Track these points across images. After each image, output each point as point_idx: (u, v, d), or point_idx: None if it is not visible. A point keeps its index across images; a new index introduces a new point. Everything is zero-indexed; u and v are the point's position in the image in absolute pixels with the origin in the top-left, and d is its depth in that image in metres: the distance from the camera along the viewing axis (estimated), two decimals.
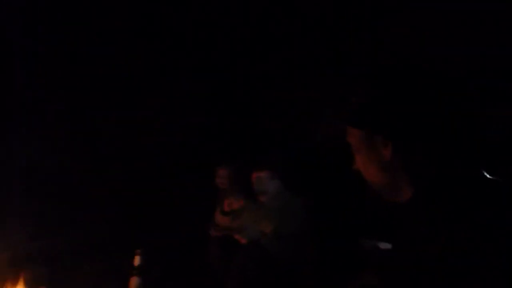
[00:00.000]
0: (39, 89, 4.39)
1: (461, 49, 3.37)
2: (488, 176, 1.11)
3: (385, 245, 3.09)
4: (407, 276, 1.02)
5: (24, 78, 4.33)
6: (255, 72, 4.89)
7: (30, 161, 4.16)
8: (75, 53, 4.53)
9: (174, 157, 4.89)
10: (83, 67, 4.56)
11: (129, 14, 4.60)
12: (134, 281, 2.65)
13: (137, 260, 2.66)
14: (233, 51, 4.86)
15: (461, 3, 3.45)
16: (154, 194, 4.72)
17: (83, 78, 4.56)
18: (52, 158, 4.16)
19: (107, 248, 4.12)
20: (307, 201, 3.43)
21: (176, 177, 4.76)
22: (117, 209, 4.62)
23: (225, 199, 4.28)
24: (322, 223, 3.45)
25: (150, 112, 4.87)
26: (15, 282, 2.78)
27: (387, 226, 1.38)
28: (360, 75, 1.20)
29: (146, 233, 4.24)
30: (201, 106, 5.04)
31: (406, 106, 1.10)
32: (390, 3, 4.15)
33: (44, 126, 4.34)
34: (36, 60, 4.38)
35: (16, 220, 3.94)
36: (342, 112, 1.21)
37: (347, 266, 3.08)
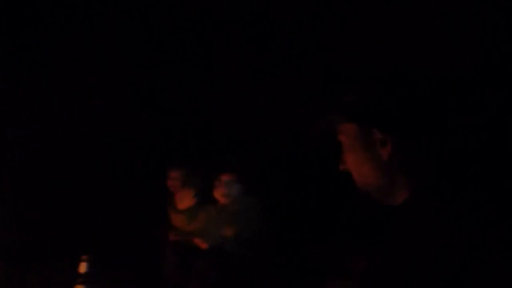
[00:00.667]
0: None
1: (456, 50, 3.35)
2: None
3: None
4: (402, 280, 1.00)
5: None
6: (204, 72, 4.80)
7: None
8: None
9: (122, 158, 4.71)
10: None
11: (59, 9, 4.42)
12: None
13: (83, 267, 2.53)
14: (177, 48, 4.76)
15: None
16: (101, 196, 4.54)
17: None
18: None
19: (49, 254, 3.94)
20: (268, 206, 3.37)
21: (126, 178, 4.57)
22: (60, 212, 4.44)
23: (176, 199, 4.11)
24: (283, 227, 3.44)
25: (99, 111, 4.68)
26: None
27: (379, 229, 1.31)
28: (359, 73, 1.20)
29: (92, 238, 4.09)
30: (151, 105, 4.89)
31: (409, 102, 1.08)
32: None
33: None
34: None
35: None
36: (341, 107, 1.16)
37: (309, 272, 3.08)
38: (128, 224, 4.36)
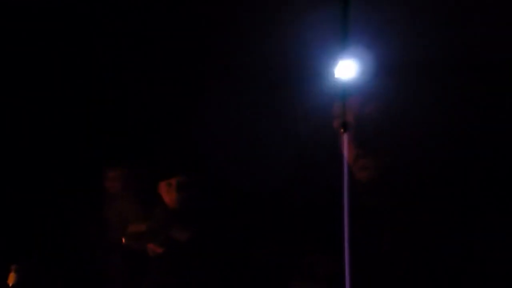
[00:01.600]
0: None
1: None
2: None
3: None
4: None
5: None
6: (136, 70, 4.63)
7: None
8: None
9: (53, 156, 4.38)
10: None
11: None
12: None
13: (12, 279, 2.36)
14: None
15: None
16: (30, 199, 4.17)
17: None
18: None
19: None
20: (223, 209, 3.23)
21: (57, 179, 4.26)
22: None
23: (119, 207, 3.85)
24: (239, 230, 3.31)
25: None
26: None
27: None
28: None
29: (22, 246, 3.75)
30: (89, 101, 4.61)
31: None
32: None
33: None
34: None
35: None
36: None
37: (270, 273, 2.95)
38: (62, 229, 4.06)
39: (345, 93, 1.13)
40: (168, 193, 3.22)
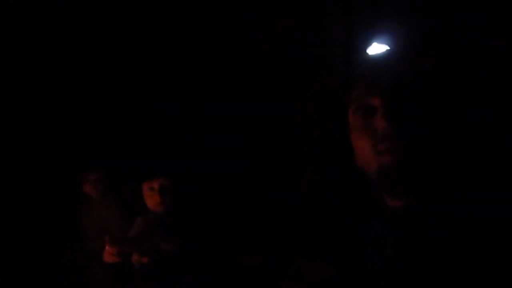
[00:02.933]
0: None
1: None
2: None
3: None
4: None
5: None
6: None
7: None
8: None
9: (31, 161, 4.22)
10: None
11: None
12: None
13: None
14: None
15: None
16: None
17: None
18: None
19: None
20: (210, 214, 3.11)
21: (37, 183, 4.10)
22: None
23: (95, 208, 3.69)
24: (226, 236, 3.20)
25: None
26: None
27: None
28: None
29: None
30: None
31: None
32: None
33: None
34: None
35: None
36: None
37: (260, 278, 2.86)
38: (41, 236, 3.88)
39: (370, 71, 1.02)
40: (151, 197, 3.08)
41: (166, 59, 4.43)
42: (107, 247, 2.78)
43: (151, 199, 2.94)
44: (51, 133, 4.29)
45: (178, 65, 4.43)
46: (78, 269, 3.55)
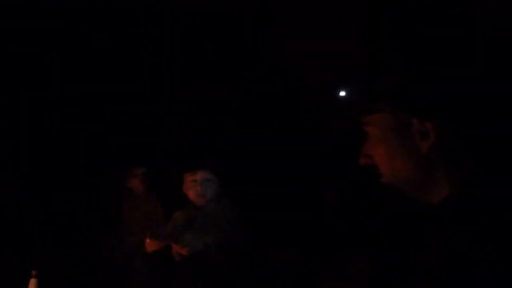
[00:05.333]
0: None
1: None
2: None
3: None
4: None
5: None
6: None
7: None
8: None
9: (74, 158, 4.33)
10: None
11: None
12: None
13: (32, 285, 2.20)
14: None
15: None
16: (48, 204, 4.13)
17: None
18: None
19: None
20: (249, 208, 3.13)
21: (73, 183, 4.20)
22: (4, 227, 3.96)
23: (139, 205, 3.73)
24: (266, 230, 3.21)
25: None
26: None
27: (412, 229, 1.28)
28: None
29: (41, 252, 3.70)
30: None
31: (457, 86, 0.96)
32: None
33: None
34: None
35: None
36: (374, 93, 1.04)
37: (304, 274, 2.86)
38: (82, 232, 4.00)
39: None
40: (192, 189, 3.11)
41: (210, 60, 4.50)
42: (147, 240, 2.83)
43: (193, 191, 2.96)
44: (90, 131, 4.38)
45: (220, 66, 4.49)
46: (115, 264, 3.61)
